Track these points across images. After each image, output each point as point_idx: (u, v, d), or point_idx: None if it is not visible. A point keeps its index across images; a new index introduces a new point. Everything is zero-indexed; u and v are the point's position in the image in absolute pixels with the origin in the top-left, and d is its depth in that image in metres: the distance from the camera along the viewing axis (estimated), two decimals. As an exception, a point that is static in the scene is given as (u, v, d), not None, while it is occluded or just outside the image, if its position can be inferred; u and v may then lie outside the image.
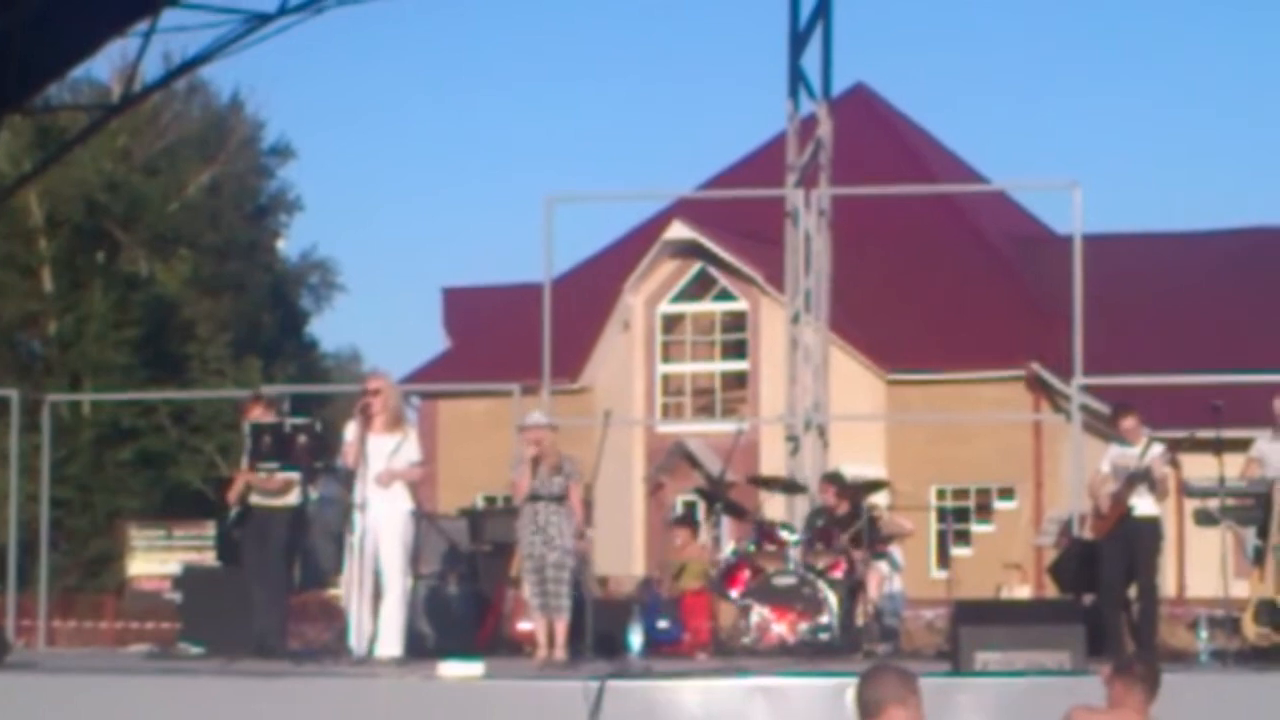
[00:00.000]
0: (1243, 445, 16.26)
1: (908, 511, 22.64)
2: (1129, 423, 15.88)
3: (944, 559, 34.45)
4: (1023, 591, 28.10)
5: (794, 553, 16.82)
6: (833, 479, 18.43)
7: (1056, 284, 27.42)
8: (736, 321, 38.36)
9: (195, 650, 16.37)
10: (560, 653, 14.69)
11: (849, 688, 8.07)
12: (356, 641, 14.45)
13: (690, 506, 32.48)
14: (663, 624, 17.19)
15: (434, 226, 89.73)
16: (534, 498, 14.88)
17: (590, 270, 39.35)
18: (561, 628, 14.81)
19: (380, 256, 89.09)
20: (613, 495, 32.41)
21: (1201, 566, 26.22)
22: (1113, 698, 9.41)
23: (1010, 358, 36.12)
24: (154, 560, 33.24)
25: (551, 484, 14.85)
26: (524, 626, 16.52)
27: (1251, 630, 15.33)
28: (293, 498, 15.46)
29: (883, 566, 17.79)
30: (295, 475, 15.27)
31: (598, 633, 14.82)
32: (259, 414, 15.72)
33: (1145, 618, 15.65)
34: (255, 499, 15.48)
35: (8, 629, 18.45)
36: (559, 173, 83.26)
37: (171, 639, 19.11)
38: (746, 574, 16.84)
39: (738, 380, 38.32)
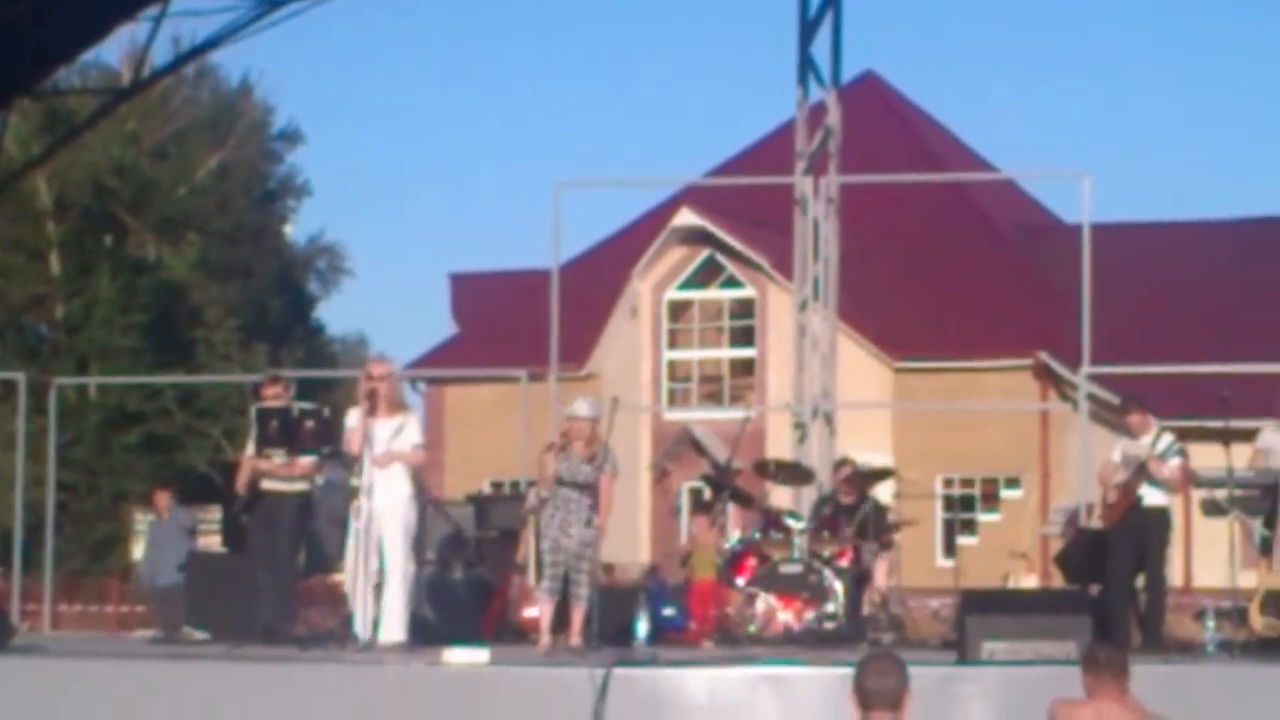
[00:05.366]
0: (1250, 435, 16.24)
1: (914, 500, 22.60)
2: (1135, 419, 15.86)
3: (950, 548, 34.52)
4: (1029, 581, 28.10)
5: (800, 540, 16.79)
6: (850, 462, 18.38)
7: (1065, 273, 27.35)
8: (744, 308, 38.32)
9: (200, 635, 16.37)
10: (576, 639, 14.67)
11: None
12: (361, 627, 14.44)
13: (697, 494, 32.48)
14: (668, 612, 17.19)
15: (442, 212, 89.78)
16: (559, 483, 14.83)
17: (598, 257, 39.31)
18: (579, 615, 14.77)
19: (388, 242, 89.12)
20: (619, 482, 32.28)
21: (1209, 557, 26.18)
22: (1087, 689, 9.48)
23: (1018, 346, 36.08)
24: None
25: (579, 472, 14.81)
26: (529, 613, 16.49)
27: (1258, 621, 15.32)
28: (303, 483, 15.43)
29: (890, 554, 17.77)
30: (314, 460, 15.24)
31: (604, 620, 14.80)
32: (275, 394, 15.63)
33: (1152, 608, 15.62)
34: (267, 484, 15.42)
35: (13, 613, 18.44)
36: (567, 159, 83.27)
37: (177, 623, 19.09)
38: (753, 562, 16.79)
39: (745, 367, 38.29)
